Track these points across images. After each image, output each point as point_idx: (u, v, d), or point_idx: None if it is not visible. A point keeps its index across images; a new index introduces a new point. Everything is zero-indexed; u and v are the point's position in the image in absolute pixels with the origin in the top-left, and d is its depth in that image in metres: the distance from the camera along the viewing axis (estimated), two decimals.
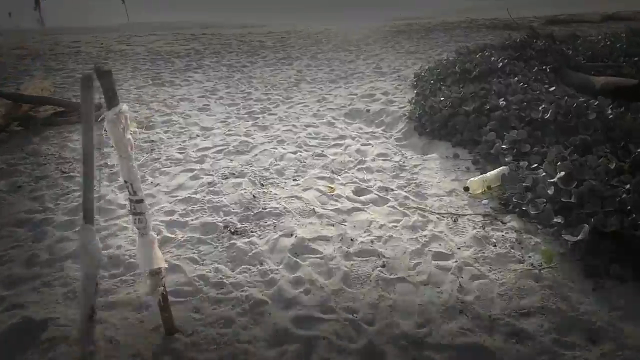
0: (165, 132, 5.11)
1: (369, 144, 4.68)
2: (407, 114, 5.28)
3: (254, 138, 4.86)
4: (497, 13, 16.65)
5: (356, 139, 4.85)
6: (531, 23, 13.33)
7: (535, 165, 3.52)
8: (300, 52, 9.76)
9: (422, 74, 6.36)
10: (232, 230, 3.04)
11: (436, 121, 4.69)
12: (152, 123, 5.37)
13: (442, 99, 4.88)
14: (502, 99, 4.59)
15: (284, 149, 4.56)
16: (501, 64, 5.36)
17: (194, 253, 2.81)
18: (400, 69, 7.67)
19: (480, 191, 3.52)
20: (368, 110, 5.66)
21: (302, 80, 7.32)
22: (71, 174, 3.98)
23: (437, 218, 3.19)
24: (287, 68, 8.25)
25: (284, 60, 8.93)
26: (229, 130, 5.10)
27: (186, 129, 5.17)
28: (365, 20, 18.21)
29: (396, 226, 3.10)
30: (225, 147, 4.61)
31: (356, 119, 5.54)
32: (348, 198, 3.51)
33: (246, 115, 5.66)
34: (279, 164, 4.17)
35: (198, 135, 4.99)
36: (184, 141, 4.82)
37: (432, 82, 5.67)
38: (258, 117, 5.57)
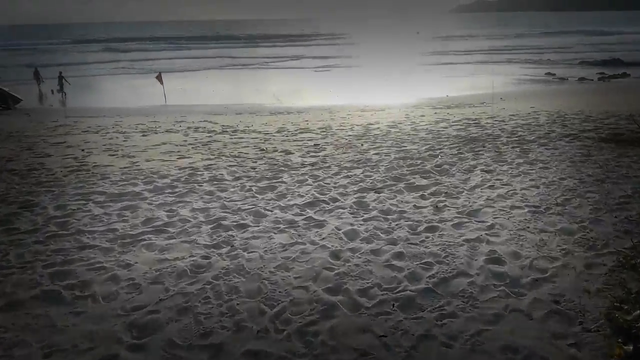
0: None
1: None
2: None
3: None
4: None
5: None
6: None
7: None
8: (339, 190, 6.08)
9: None
10: None
11: None
12: None
13: None
14: None
15: None
16: None
17: None
18: (546, 268, 3.65)
19: None
20: None
21: (340, 294, 3.47)
22: None
23: None
24: (314, 239, 4.49)
25: (313, 214, 5.20)
26: None
27: None
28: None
29: None
30: None
31: None
32: None
33: None
34: None
35: None
36: None
37: None
38: None
